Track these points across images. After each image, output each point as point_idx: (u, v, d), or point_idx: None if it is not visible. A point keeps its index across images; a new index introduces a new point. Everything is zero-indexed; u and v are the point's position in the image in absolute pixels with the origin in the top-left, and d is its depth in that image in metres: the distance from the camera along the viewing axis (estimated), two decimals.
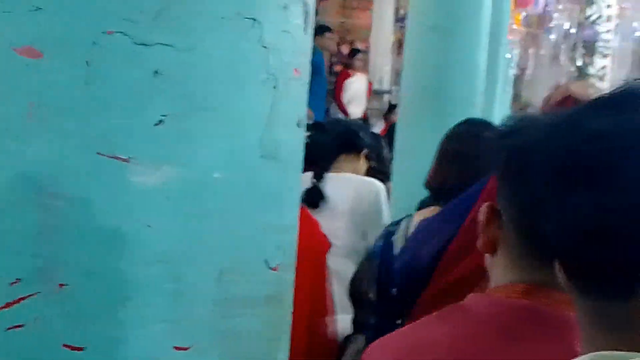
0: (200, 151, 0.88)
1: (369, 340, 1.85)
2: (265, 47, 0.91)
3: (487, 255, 1.01)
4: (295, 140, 0.99)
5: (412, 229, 1.97)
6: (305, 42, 0.99)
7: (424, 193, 2.17)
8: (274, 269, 0.95)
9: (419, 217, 1.97)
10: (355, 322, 2.50)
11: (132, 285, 0.85)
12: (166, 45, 0.85)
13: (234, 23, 0.88)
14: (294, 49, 0.96)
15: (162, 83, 0.85)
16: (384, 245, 1.98)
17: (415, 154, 3.78)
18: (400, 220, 2.08)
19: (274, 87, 0.93)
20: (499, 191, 0.97)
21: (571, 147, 0.65)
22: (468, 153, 1.94)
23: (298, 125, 0.99)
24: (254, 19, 0.90)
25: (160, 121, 0.85)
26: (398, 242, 2.00)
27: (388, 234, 2.02)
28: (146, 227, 0.85)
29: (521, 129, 0.94)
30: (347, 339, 2.51)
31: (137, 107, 0.85)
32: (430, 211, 1.94)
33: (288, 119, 0.97)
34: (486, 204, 0.98)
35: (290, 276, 1.00)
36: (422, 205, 2.15)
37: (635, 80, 0.69)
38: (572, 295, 0.69)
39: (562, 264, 0.68)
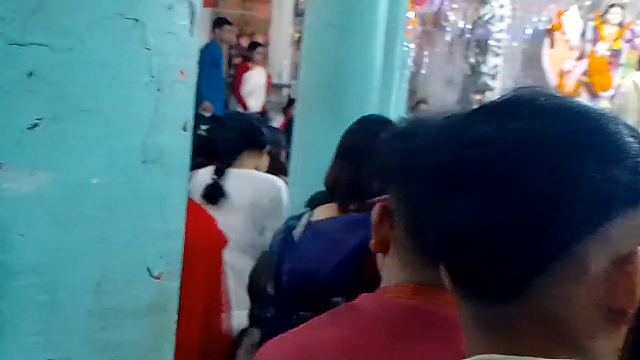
0: (78, 156, 0.84)
1: (264, 335, 1.84)
2: (148, 48, 0.88)
3: (379, 255, 1.01)
4: (181, 144, 0.96)
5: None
6: (191, 43, 0.96)
7: (316, 189, 2.17)
8: (157, 277, 0.92)
9: (320, 212, 1.97)
10: (252, 315, 2.50)
11: (3, 297, 0.81)
12: (42, 45, 0.81)
13: (114, 23, 0.85)
14: (180, 50, 0.93)
15: (37, 85, 0.81)
16: (283, 239, 1.98)
17: (313, 150, 3.80)
18: (301, 214, 2.07)
19: (158, 90, 0.90)
20: (391, 191, 0.98)
21: (454, 152, 0.66)
22: (363, 151, 1.95)
23: (184, 128, 0.96)
24: (136, 20, 0.87)
25: (35, 124, 0.82)
26: (298, 236, 2.00)
27: (288, 228, 2.01)
28: (19, 236, 0.82)
29: (413, 131, 0.95)
30: (243, 332, 2.50)
31: (10, 109, 0.81)
32: (330, 207, 1.94)
33: (173, 122, 0.94)
34: (379, 203, 0.99)
35: (175, 284, 0.97)
36: (314, 201, 2.15)
37: (520, 88, 0.70)
38: (456, 298, 0.70)
39: (446, 267, 0.69)
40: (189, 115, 0.98)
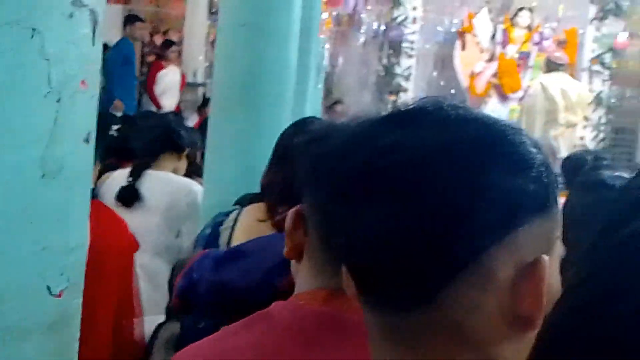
0: None
1: (183, 333, 1.81)
2: (47, 59, 0.85)
3: (293, 261, 1.01)
4: (83, 157, 0.94)
5: (240, 225, 1.95)
6: (93, 52, 0.94)
7: (237, 189, 2.15)
8: (57, 296, 0.89)
9: (249, 211, 1.96)
10: (168, 310, 2.46)
11: None
12: None
13: (10, 32, 0.82)
14: (81, 60, 0.91)
15: None
16: (210, 235, 1.96)
17: (227, 150, 3.77)
18: (230, 211, 2.06)
19: (58, 101, 0.87)
20: (304, 197, 0.96)
21: (362, 160, 0.66)
22: (291, 153, 1.95)
23: (86, 140, 0.94)
24: (34, 29, 0.83)
25: None
26: (225, 232, 1.98)
27: (216, 224, 1.99)
28: None
29: (325, 136, 0.94)
30: (159, 326, 2.46)
31: None
32: (259, 207, 1.93)
33: (74, 134, 0.91)
34: (293, 209, 0.98)
35: (77, 300, 0.94)
36: (244, 199, 2.14)
37: (426, 97, 0.71)
38: (361, 306, 0.70)
39: (353, 275, 0.68)
40: (91, 127, 0.95)
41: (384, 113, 0.72)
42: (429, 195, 0.62)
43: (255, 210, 1.93)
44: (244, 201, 2.11)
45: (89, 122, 0.95)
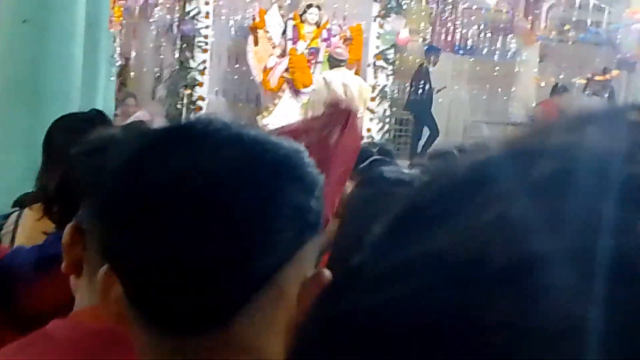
0: None
1: None
2: None
3: (72, 276, 0.98)
4: None
5: (21, 228, 1.92)
6: None
7: (24, 188, 2.11)
8: None
9: (30, 213, 1.92)
10: None
11: None
12: None
13: None
14: None
15: None
16: None
17: (12, 149, 3.67)
18: (9, 214, 2.01)
19: None
20: (83, 210, 0.95)
21: (145, 182, 0.64)
22: (65, 152, 1.93)
23: None
24: None
25: None
26: (6, 237, 1.95)
27: None
28: None
29: (105, 149, 0.94)
30: None
31: None
32: (37, 208, 1.91)
33: None
34: (70, 223, 0.96)
35: None
36: (25, 200, 2.09)
37: (200, 117, 0.69)
38: (135, 327, 0.66)
39: (129, 296, 0.65)
40: None
41: (166, 128, 0.70)
42: (221, 218, 0.61)
43: (35, 211, 1.90)
44: (24, 202, 2.07)
45: None
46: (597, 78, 9.77)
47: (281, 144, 0.67)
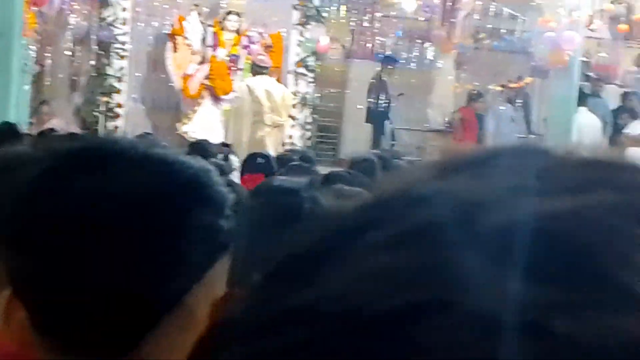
0: None
1: None
2: None
3: None
4: None
5: None
6: None
7: None
8: None
9: None
10: None
11: None
12: None
13: None
14: None
15: None
16: None
17: None
18: None
19: None
20: None
21: (55, 207, 0.62)
22: None
23: None
24: None
25: None
26: None
27: None
28: None
29: (10, 169, 0.91)
30: None
31: None
32: None
33: None
34: None
35: None
36: None
37: (113, 138, 0.71)
38: (40, 348, 0.64)
39: (32, 323, 0.64)
40: None
41: (72, 149, 0.69)
42: (127, 242, 0.60)
43: None
44: None
45: None
46: (511, 85, 10.05)
47: (189, 163, 0.66)
